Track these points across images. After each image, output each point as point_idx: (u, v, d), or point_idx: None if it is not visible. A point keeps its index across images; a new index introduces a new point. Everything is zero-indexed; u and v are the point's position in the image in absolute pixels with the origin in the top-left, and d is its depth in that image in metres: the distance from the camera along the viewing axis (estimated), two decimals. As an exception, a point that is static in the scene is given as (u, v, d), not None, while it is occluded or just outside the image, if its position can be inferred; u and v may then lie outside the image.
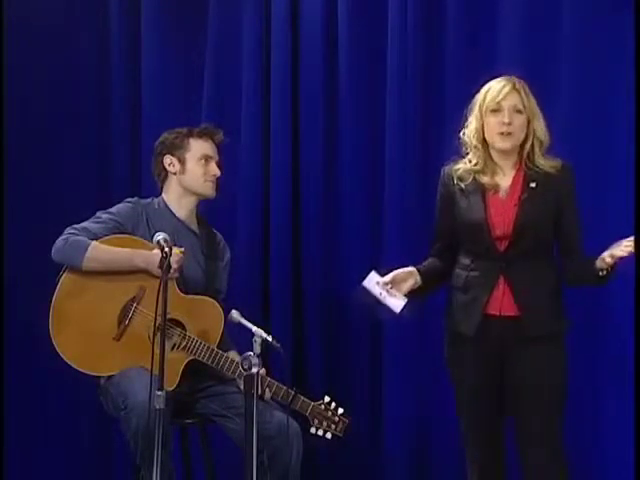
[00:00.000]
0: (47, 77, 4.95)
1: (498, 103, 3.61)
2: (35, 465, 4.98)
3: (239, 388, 3.82)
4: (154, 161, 4.18)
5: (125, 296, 3.95)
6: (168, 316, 3.50)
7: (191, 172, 4.12)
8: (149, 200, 4.16)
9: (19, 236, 4.87)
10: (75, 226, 3.99)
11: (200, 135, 4.15)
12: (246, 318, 3.69)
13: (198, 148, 4.13)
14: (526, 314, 3.59)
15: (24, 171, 4.93)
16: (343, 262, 4.68)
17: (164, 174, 4.16)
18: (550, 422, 3.59)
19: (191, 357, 3.91)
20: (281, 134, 4.71)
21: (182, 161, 4.12)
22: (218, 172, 4.14)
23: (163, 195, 4.17)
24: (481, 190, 3.65)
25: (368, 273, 4.66)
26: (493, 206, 3.63)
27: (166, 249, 3.54)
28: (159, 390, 3.34)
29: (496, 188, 3.65)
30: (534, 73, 4.09)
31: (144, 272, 3.91)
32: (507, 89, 3.61)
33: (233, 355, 3.99)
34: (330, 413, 3.92)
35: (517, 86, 3.62)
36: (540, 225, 3.60)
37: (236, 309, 3.77)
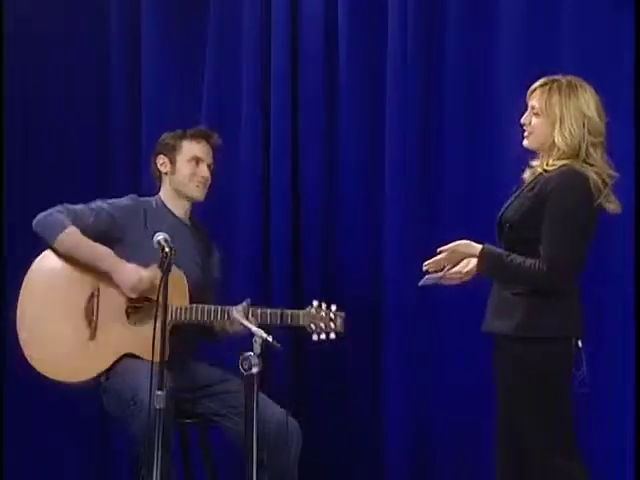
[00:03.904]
0: (47, 77, 4.96)
1: (527, 101, 3.59)
2: (35, 465, 4.98)
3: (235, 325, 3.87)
4: (151, 161, 4.23)
5: (83, 296, 3.99)
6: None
7: (179, 173, 4.15)
8: (148, 199, 4.19)
9: (18, 236, 4.86)
10: (67, 206, 4.06)
11: (193, 137, 4.16)
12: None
13: (189, 149, 4.14)
14: (488, 310, 3.58)
15: (24, 170, 4.94)
16: (343, 262, 4.69)
17: (158, 174, 4.21)
18: (517, 425, 3.50)
19: (172, 322, 3.87)
20: (281, 134, 4.71)
21: (173, 162, 4.16)
22: (207, 175, 4.15)
23: (160, 194, 4.21)
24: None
25: (367, 273, 4.67)
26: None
27: (166, 249, 3.54)
28: (159, 390, 3.34)
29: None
30: (534, 73, 4.09)
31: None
32: (533, 89, 3.56)
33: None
34: (324, 313, 3.94)
35: (544, 88, 3.53)
36: (516, 222, 3.50)
37: (236, 308, 3.78)
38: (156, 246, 3.59)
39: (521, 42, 4.31)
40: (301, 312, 3.95)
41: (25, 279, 4.06)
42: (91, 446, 5.03)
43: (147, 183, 4.40)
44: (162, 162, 4.17)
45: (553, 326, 3.47)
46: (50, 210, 4.05)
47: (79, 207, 4.07)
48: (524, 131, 3.59)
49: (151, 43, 4.95)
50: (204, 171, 4.15)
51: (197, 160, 4.14)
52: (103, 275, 3.98)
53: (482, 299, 3.84)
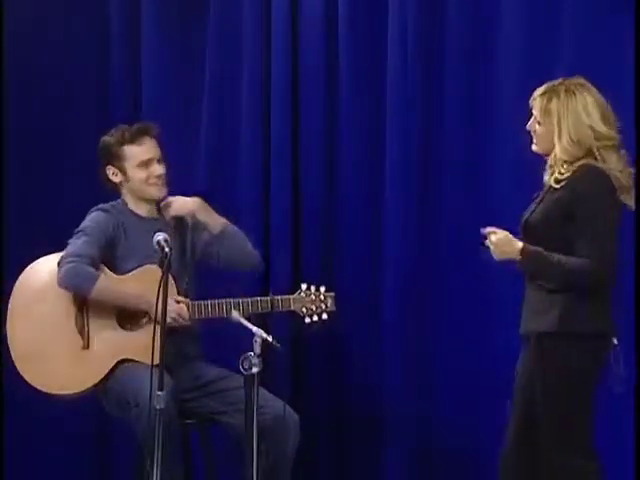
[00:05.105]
0: (47, 77, 4.96)
1: (530, 106, 3.56)
2: (35, 465, 4.98)
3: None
4: (100, 170, 4.15)
5: (72, 306, 3.96)
6: None
7: (134, 179, 4.09)
8: (112, 204, 4.13)
9: (18, 238, 4.87)
10: (75, 250, 3.94)
11: (132, 140, 4.07)
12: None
13: (133, 155, 4.07)
14: (524, 312, 3.54)
15: (24, 171, 4.94)
16: (343, 262, 4.69)
17: (112, 183, 4.14)
18: (546, 424, 3.47)
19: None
20: (281, 133, 4.71)
21: (123, 171, 4.09)
22: (160, 171, 4.09)
23: (123, 198, 4.15)
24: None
25: (367, 273, 4.67)
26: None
27: (166, 249, 3.54)
28: (159, 390, 3.34)
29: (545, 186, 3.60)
30: (534, 73, 4.09)
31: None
32: (534, 96, 3.53)
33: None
34: (313, 295, 3.98)
35: (543, 97, 3.50)
36: (542, 225, 3.48)
37: (237, 309, 3.79)
38: (156, 246, 3.59)
39: (521, 42, 4.30)
40: (291, 297, 3.98)
41: (11, 297, 4.02)
42: (91, 446, 5.03)
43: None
44: (112, 172, 4.11)
45: (598, 322, 3.45)
46: (69, 265, 3.91)
47: (79, 246, 3.94)
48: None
49: (151, 43, 4.95)
50: (157, 170, 4.08)
51: (146, 162, 4.07)
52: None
53: (482, 297, 3.85)
